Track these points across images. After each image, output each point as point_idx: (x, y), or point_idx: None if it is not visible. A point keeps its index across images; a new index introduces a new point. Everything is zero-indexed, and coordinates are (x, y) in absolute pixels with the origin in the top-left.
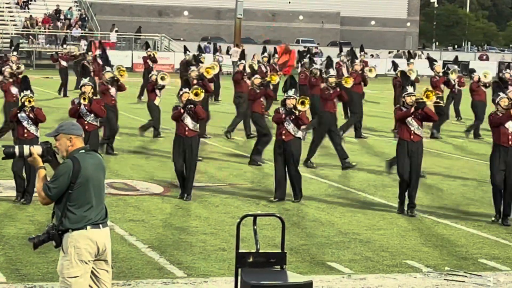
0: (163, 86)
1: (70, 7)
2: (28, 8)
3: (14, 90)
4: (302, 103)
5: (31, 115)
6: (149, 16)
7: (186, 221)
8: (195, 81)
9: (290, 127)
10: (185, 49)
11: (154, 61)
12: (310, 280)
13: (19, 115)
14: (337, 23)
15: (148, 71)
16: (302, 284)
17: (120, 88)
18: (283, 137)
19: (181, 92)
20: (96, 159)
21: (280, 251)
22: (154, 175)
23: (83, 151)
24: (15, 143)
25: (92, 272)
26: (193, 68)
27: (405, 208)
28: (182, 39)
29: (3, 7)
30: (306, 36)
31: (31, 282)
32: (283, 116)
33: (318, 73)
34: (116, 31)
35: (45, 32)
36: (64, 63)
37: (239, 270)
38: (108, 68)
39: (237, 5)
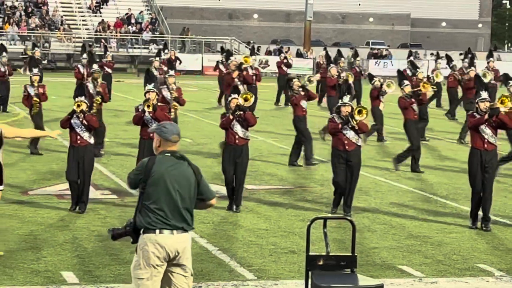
0: (385, 92)
1: (141, 11)
2: (100, 12)
3: (303, 104)
4: (360, 112)
5: (84, 121)
6: (219, 19)
7: (256, 224)
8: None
9: (351, 135)
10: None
11: (289, 66)
12: (381, 284)
13: (72, 121)
14: (408, 25)
15: (283, 76)
16: (372, 287)
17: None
18: (346, 147)
19: (229, 98)
20: (178, 164)
21: (350, 254)
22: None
23: (169, 154)
24: (69, 150)
25: (168, 275)
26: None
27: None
28: (252, 42)
29: (75, 12)
30: (376, 38)
31: (103, 283)
32: (340, 126)
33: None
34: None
35: (116, 36)
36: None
37: (310, 273)
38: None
39: (307, 8)
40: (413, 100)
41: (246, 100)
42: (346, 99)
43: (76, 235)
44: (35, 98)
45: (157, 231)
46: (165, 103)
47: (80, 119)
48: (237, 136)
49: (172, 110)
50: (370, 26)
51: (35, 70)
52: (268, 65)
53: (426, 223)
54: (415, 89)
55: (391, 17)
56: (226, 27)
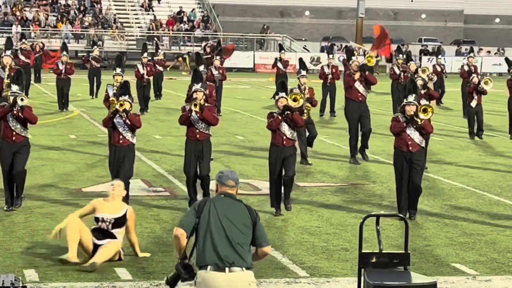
0: (483, 89)
1: (193, 9)
2: (152, 10)
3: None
4: (424, 110)
5: (127, 121)
6: (271, 17)
7: (308, 221)
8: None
9: (415, 136)
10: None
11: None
12: (435, 281)
13: (114, 120)
14: (461, 21)
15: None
16: (426, 285)
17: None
18: (410, 147)
19: (277, 97)
20: (233, 204)
21: (403, 251)
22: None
23: (222, 195)
24: (110, 149)
25: None
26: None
27: None
28: (303, 39)
29: (128, 10)
30: (429, 35)
31: (156, 280)
32: (404, 125)
33: None
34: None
35: (168, 34)
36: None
37: (362, 270)
38: None
39: (358, 4)
40: None
41: (295, 100)
42: (411, 98)
43: None
44: (112, 98)
45: (209, 267)
46: None
47: (123, 119)
48: (284, 137)
49: (305, 111)
50: (422, 22)
51: (118, 70)
52: (320, 62)
53: (479, 221)
54: None
55: (443, 13)
56: (278, 24)
